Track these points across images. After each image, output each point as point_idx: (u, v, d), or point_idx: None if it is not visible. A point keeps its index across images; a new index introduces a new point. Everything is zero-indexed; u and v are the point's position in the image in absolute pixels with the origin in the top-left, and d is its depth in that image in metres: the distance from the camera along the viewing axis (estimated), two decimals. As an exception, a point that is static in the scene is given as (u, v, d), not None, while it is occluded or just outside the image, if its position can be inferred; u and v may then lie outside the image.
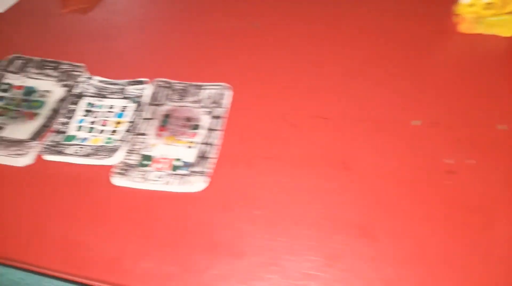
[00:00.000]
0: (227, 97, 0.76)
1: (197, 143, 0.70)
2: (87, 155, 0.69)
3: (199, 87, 0.78)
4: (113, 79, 0.80)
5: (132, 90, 0.78)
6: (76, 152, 0.69)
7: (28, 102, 0.78)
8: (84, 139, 0.72)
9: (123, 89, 0.79)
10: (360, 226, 0.57)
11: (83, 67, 0.82)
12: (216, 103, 0.75)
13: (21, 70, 0.82)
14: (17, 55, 0.84)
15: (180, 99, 0.76)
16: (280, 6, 0.96)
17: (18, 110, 0.76)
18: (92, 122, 0.74)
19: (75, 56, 0.84)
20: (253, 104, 0.76)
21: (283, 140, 0.70)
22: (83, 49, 0.87)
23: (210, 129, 0.72)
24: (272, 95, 0.78)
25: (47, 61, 0.83)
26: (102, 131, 0.73)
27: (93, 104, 0.77)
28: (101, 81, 0.80)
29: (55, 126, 0.74)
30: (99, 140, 0.72)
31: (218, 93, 0.77)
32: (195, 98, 0.76)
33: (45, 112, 0.76)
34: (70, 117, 0.75)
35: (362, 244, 0.55)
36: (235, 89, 0.78)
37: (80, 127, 0.74)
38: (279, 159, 0.67)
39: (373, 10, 0.92)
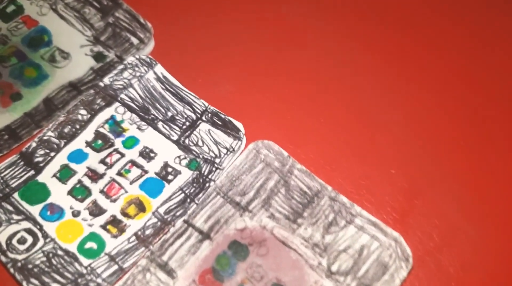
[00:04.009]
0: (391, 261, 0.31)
1: None
2: (28, 273, 0.30)
3: (345, 210, 0.33)
4: (188, 88, 0.38)
5: (207, 136, 0.36)
6: (16, 250, 0.30)
7: (22, 62, 0.39)
8: (59, 212, 0.33)
9: (193, 122, 0.36)
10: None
11: (150, 31, 0.40)
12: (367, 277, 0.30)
13: (50, -12, 0.43)
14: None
15: (290, 218, 0.32)
16: None
17: (-3, 73, 0.38)
18: (94, 176, 0.34)
19: (145, 10, 0.41)
20: None
21: None
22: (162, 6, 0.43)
23: None
24: None
25: (101, -11, 0.43)
26: (97, 212, 0.33)
27: (122, 129, 0.36)
28: (164, 81, 0.38)
29: (32, 144, 0.35)
30: (77, 231, 0.32)
31: (380, 255, 0.31)
32: (321, 232, 0.32)
33: (34, 98, 0.37)
34: (66, 138, 0.36)
35: None
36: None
37: (67, 170, 0.34)
38: None
39: None
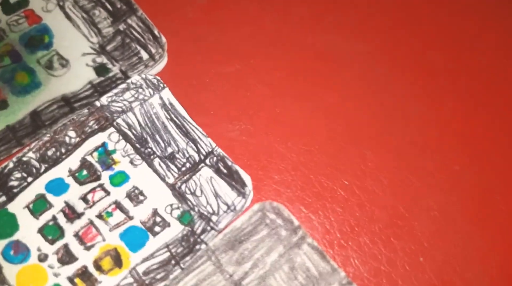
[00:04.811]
0: None
1: None
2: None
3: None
4: (196, 120, 0.32)
5: (208, 185, 0.30)
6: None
7: (15, 64, 0.34)
8: (24, 254, 0.28)
9: (194, 165, 0.31)
10: None
11: (163, 47, 0.35)
12: None
13: (61, -20, 0.38)
14: None
15: (289, 304, 0.27)
16: None
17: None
18: (71, 214, 0.29)
19: (163, 21, 0.36)
20: None
21: None
22: (188, 31, 0.37)
23: None
24: None
25: (117, -12, 0.37)
26: (66, 260, 0.29)
27: (113, 161, 0.31)
28: (169, 108, 0.33)
29: (9, 164, 0.31)
30: (40, 280, 0.28)
31: None
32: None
33: (20, 109, 0.33)
34: (48, 162, 0.31)
35: None
36: None
37: (42, 202, 0.30)
38: None
39: None
